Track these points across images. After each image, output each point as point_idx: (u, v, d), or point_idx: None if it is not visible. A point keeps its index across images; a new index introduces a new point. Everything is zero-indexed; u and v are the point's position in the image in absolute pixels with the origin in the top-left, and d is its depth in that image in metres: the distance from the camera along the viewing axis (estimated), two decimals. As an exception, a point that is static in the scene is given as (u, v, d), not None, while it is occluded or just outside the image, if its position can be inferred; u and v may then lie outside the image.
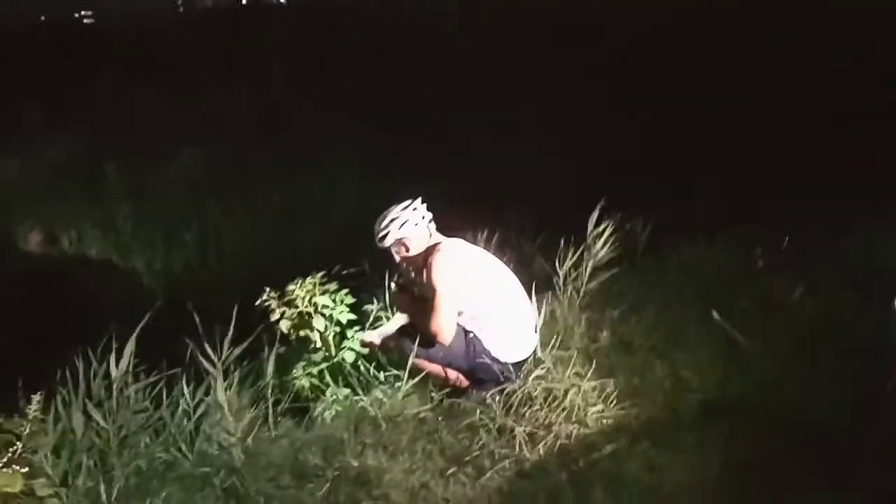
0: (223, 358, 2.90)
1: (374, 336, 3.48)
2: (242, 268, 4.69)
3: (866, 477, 2.45)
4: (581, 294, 3.62)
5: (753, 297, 3.56)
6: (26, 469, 2.42)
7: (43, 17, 21.26)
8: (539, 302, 3.29)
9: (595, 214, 3.70)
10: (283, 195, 6.07)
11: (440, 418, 2.98)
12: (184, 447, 2.80)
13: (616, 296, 3.69)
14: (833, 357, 3.06)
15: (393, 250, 3.25)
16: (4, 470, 2.42)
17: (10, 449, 2.53)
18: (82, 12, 24.28)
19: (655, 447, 2.68)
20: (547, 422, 2.85)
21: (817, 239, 3.86)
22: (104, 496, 2.57)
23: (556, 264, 3.62)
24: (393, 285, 3.58)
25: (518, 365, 3.09)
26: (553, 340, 3.23)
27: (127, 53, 11.98)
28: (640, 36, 6.78)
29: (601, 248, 3.62)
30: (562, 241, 3.64)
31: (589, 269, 3.60)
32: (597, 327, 3.48)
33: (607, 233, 3.63)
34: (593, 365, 3.03)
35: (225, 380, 2.89)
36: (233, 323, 2.93)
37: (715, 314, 3.34)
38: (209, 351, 2.86)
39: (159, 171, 7.33)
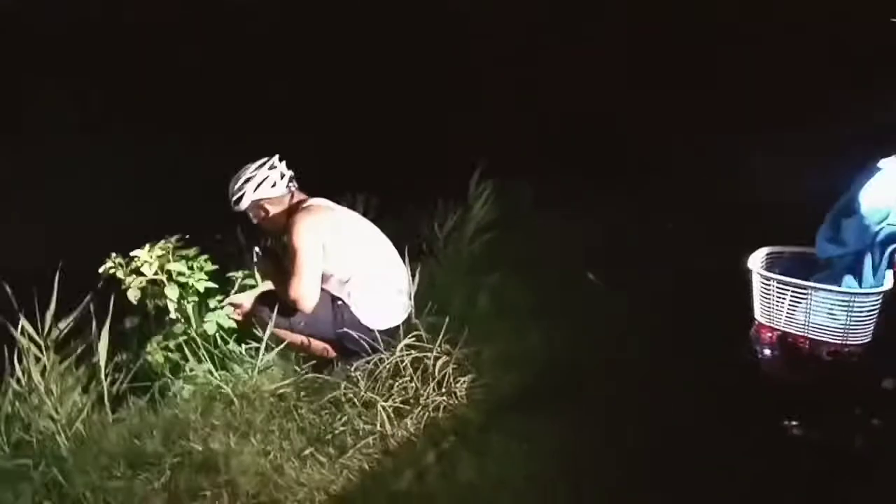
0: (44, 333, 2.55)
1: (244, 298, 3.18)
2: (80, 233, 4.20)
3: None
4: (463, 257, 3.43)
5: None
6: None
7: None
8: (418, 266, 3.08)
9: (476, 175, 3.51)
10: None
11: (301, 394, 2.74)
12: (-2, 437, 2.44)
13: (497, 259, 3.52)
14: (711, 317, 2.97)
15: (251, 213, 2.94)
16: None
17: None
18: None
19: (527, 417, 2.54)
20: (416, 394, 2.65)
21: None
22: None
23: (436, 227, 3.41)
24: (257, 249, 3.27)
25: (388, 333, 2.87)
26: (429, 306, 3.03)
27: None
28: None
29: (482, 210, 3.43)
30: (439, 203, 3.42)
31: (470, 232, 3.41)
32: (476, 292, 3.30)
33: (487, 194, 3.44)
34: (466, 332, 2.84)
35: (49, 358, 2.54)
36: (55, 293, 2.57)
37: (590, 274, 3.23)
38: (26, 326, 2.50)
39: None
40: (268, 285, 3.25)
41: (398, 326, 2.90)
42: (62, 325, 2.61)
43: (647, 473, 2.22)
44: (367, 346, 2.84)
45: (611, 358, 2.79)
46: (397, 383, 2.69)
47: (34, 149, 5.06)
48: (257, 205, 2.89)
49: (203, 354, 3.04)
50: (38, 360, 2.50)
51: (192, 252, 3.22)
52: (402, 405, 2.61)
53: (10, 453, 2.41)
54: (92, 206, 4.63)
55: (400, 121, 4.44)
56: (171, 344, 3.16)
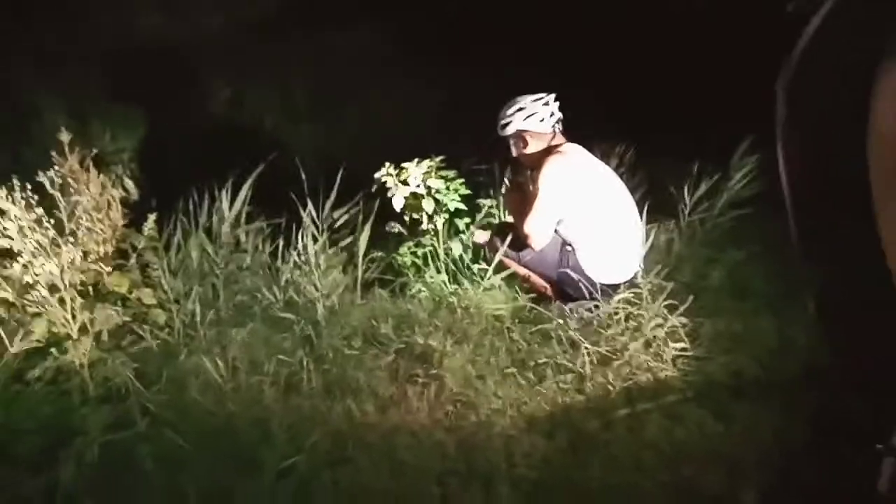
0: (323, 216, 3.05)
1: (482, 236, 3.45)
2: (378, 136, 4.76)
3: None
4: (707, 228, 3.31)
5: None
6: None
7: None
8: (656, 227, 3.06)
9: (743, 146, 3.31)
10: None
11: (515, 319, 2.94)
12: (276, 291, 3.02)
13: (746, 237, 3.32)
14: None
15: (511, 141, 3.14)
16: (119, 274, 2.77)
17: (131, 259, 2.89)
18: None
19: (732, 399, 2.46)
20: (623, 347, 2.70)
21: None
22: (200, 318, 2.86)
23: (686, 192, 3.32)
24: (506, 181, 3.49)
25: (611, 288, 2.93)
26: (657, 269, 3.01)
27: None
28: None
29: (739, 183, 3.25)
30: (696, 166, 3.30)
31: (721, 203, 3.26)
32: (712, 265, 3.18)
33: (749, 167, 3.24)
34: (689, 301, 2.78)
35: (323, 240, 3.06)
36: (336, 186, 3.06)
37: None
38: (311, 208, 3.02)
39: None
40: (508, 217, 3.49)
41: (621, 283, 2.94)
42: (337, 214, 3.11)
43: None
44: (585, 293, 2.93)
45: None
46: (606, 332, 2.76)
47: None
48: (521, 135, 3.06)
49: (442, 266, 3.40)
50: (315, 239, 3.02)
51: (451, 174, 3.57)
52: (607, 353, 2.68)
53: (282, 308, 2.98)
54: (383, 116, 5.19)
55: (679, 72, 4.25)
56: (419, 251, 3.59)
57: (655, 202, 3.16)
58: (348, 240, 3.30)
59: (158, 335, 2.74)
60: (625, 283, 2.94)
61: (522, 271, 3.10)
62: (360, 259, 3.12)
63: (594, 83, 3.83)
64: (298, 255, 3.06)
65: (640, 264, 3.01)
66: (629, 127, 3.72)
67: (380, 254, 3.52)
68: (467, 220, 3.68)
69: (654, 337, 2.68)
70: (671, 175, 3.46)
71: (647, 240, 3.00)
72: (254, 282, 3.06)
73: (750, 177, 3.28)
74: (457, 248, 3.53)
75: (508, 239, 3.03)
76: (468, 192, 3.62)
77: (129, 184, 3.26)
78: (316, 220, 3.06)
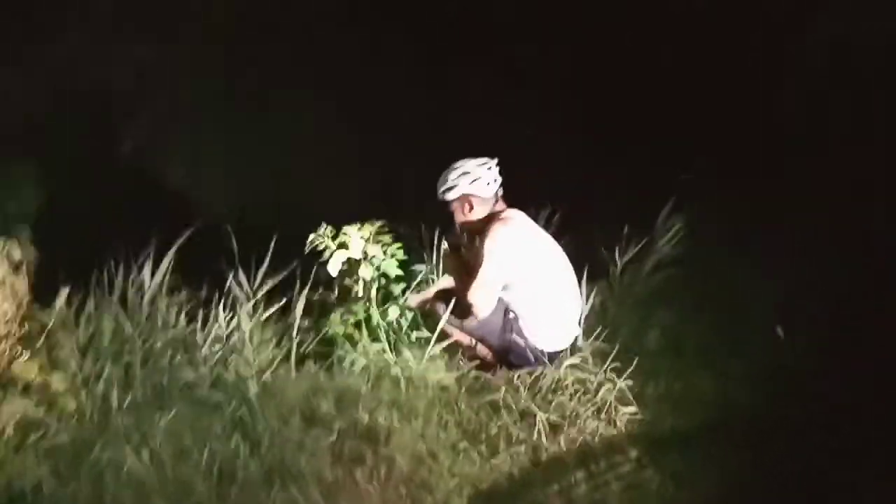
0: (255, 287, 2.87)
1: (417, 300, 3.37)
2: (302, 200, 4.60)
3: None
4: (638, 289, 3.38)
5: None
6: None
7: None
8: (590, 290, 3.09)
9: (667, 207, 3.44)
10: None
11: (463, 390, 2.84)
12: (203, 369, 2.77)
13: (676, 295, 3.42)
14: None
15: (455, 206, 3.09)
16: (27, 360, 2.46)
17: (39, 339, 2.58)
18: None
19: (685, 458, 2.46)
20: (573, 414, 2.66)
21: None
22: (116, 403, 2.57)
23: (617, 253, 3.39)
24: (445, 244, 3.44)
25: (554, 355, 2.91)
26: (597, 332, 3.03)
27: None
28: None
29: (667, 244, 3.36)
30: (625, 230, 3.39)
31: (651, 264, 3.35)
32: (648, 325, 3.24)
33: (676, 229, 3.36)
34: (634, 363, 2.80)
35: (254, 310, 2.86)
36: (269, 253, 2.89)
37: (779, 330, 3.04)
38: (242, 278, 2.83)
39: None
40: (445, 280, 3.43)
41: (563, 350, 2.93)
42: (268, 282, 2.93)
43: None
44: (530, 360, 2.89)
45: (781, 412, 2.63)
46: (556, 399, 2.72)
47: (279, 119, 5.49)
48: (465, 199, 3.02)
49: (382, 335, 3.26)
50: (245, 311, 2.82)
51: (388, 238, 3.48)
52: (558, 420, 2.63)
53: (210, 387, 2.73)
54: (318, 175, 5.02)
55: (597, 137, 4.40)
56: (352, 319, 3.44)
57: (586, 265, 3.18)
58: (276, 307, 3.11)
59: (70, 424, 2.43)
60: (567, 348, 2.93)
61: (465, 339, 3.02)
62: (296, 330, 2.94)
63: (521, 148, 3.87)
64: (227, 328, 2.85)
65: (579, 329, 3.01)
66: (555, 191, 3.77)
67: (312, 321, 3.35)
68: (402, 285, 3.57)
69: (606, 402, 2.66)
70: (599, 238, 3.52)
71: (587, 303, 3.01)
72: (176, 359, 2.80)
73: (676, 237, 3.40)
74: (393, 314, 3.41)
75: (451, 305, 2.95)
76: (405, 257, 3.54)
77: (33, 252, 2.94)
78: (246, 288, 2.87)
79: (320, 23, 5.52)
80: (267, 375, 2.78)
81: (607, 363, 2.77)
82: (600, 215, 3.64)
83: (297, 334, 2.96)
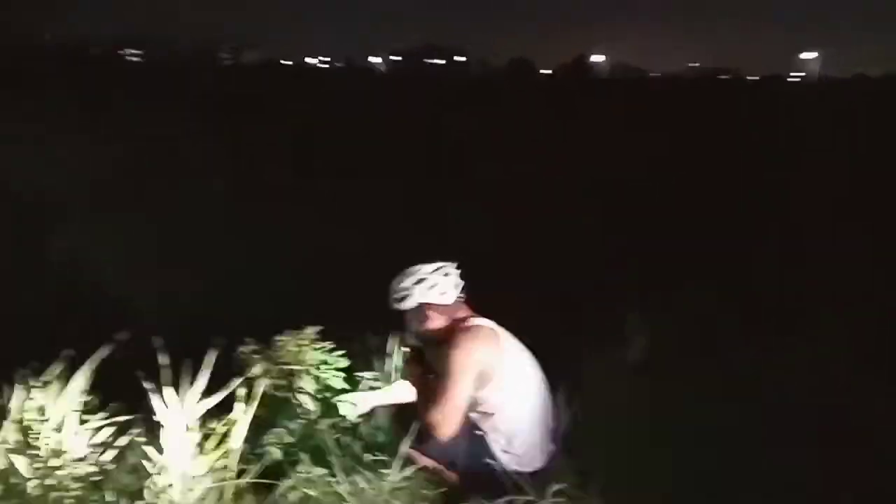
0: (188, 410, 2.45)
1: (367, 401, 3.02)
2: (231, 309, 4.23)
3: None
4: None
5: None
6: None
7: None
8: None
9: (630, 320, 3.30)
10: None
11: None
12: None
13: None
14: None
15: (410, 316, 2.82)
16: None
17: None
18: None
19: None
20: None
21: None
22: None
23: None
24: (406, 349, 3.14)
25: (531, 476, 2.61)
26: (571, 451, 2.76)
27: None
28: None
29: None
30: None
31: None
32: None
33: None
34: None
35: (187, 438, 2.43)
36: (207, 372, 2.49)
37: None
38: (171, 399, 2.41)
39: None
40: (400, 387, 3.09)
41: (542, 470, 2.64)
42: (203, 404, 2.51)
43: None
44: (505, 486, 2.58)
45: None
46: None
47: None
48: (422, 309, 2.76)
49: (320, 457, 2.87)
50: (177, 437, 2.39)
51: (326, 346, 3.15)
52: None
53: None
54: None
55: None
56: (286, 440, 3.03)
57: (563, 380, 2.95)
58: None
59: None
60: (546, 470, 2.64)
61: (433, 465, 2.68)
62: (237, 459, 2.51)
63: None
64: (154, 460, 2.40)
65: (555, 449, 2.75)
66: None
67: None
68: (346, 398, 3.22)
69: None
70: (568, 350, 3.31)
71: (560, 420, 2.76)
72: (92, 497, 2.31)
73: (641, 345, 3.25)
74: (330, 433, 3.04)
75: (414, 426, 2.62)
76: (347, 364, 3.21)
77: None
78: (177, 412, 2.44)
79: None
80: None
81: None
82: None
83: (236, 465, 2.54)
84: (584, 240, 6.25)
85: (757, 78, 63.30)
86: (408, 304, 2.76)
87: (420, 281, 2.74)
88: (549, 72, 62.83)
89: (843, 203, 8.29)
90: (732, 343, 3.65)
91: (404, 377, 3.05)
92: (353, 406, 3.05)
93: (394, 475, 2.60)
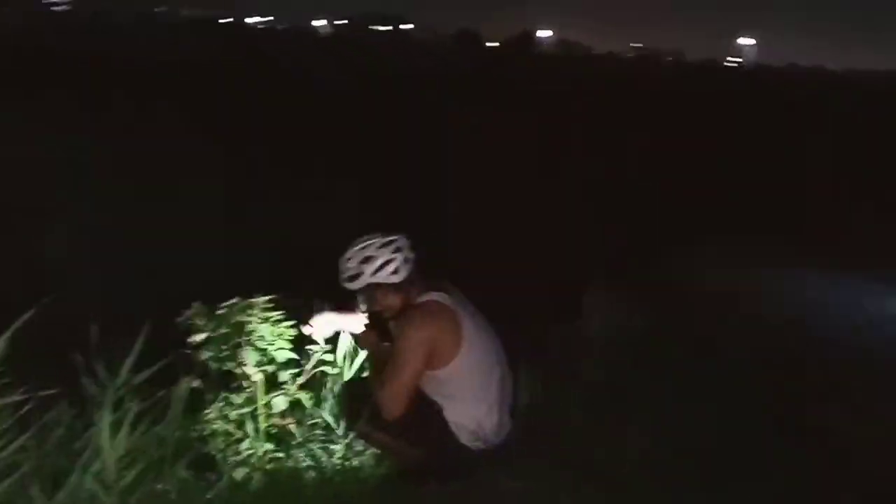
0: (119, 385, 2.23)
1: (330, 324, 2.86)
2: (171, 278, 3.96)
3: None
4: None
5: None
6: None
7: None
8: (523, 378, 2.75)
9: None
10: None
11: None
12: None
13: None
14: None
15: (361, 297, 2.64)
16: None
17: None
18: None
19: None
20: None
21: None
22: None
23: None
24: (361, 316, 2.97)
25: (492, 453, 2.51)
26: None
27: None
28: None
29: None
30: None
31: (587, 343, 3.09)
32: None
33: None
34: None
35: (116, 412, 2.21)
36: (139, 342, 2.27)
37: None
38: (100, 373, 2.19)
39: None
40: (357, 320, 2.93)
41: (502, 446, 2.55)
42: (136, 379, 2.30)
43: None
44: (463, 463, 2.48)
45: None
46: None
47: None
48: (372, 289, 2.57)
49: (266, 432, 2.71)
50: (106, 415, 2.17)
51: (275, 315, 2.95)
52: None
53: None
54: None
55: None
56: (233, 414, 2.84)
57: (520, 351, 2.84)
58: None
59: None
60: (505, 445, 2.55)
61: (389, 441, 2.55)
62: (173, 434, 2.31)
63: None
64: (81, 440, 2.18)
65: (512, 422, 2.65)
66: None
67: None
68: (293, 371, 3.03)
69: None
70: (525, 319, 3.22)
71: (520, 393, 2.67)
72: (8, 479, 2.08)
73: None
74: (280, 404, 2.87)
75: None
76: (295, 334, 3.01)
77: None
78: (106, 387, 2.22)
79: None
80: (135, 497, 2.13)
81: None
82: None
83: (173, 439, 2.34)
84: (528, 217, 6.16)
85: (695, 60, 64.86)
86: (357, 285, 2.58)
87: (368, 259, 2.55)
88: (496, 44, 62.60)
89: (773, 190, 8.52)
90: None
91: (359, 345, 2.88)
92: (312, 328, 2.88)
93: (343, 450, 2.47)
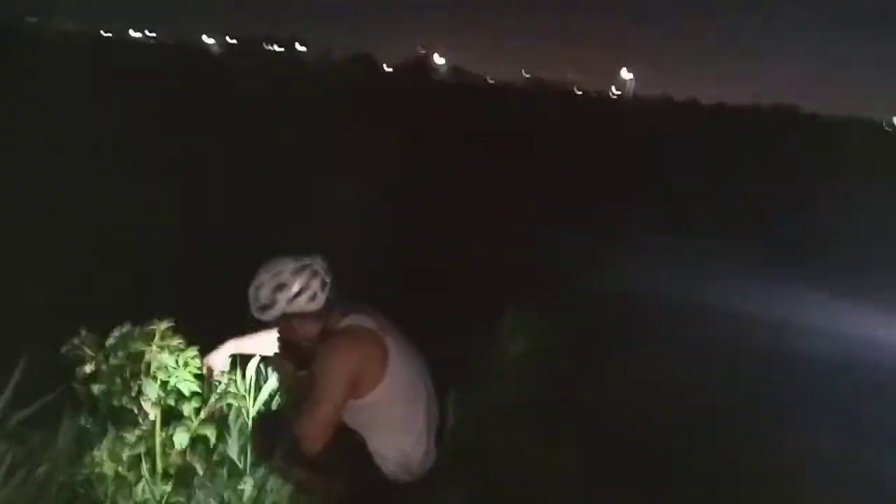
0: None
1: (225, 351, 2.69)
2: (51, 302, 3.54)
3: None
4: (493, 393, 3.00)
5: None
6: None
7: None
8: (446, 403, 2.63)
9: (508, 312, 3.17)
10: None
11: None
12: None
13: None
14: None
15: (277, 328, 2.43)
16: None
17: None
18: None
19: None
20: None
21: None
22: None
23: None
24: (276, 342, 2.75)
25: (417, 482, 2.37)
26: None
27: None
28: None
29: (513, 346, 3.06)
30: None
31: (502, 367, 3.01)
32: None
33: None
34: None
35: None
36: (15, 375, 1.97)
37: None
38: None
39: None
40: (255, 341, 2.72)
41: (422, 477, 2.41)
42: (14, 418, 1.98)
43: None
44: (384, 495, 2.32)
45: None
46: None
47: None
48: (288, 319, 2.36)
49: (165, 472, 2.43)
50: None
51: (176, 341, 2.67)
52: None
53: None
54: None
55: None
56: (126, 454, 2.53)
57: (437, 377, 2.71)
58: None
59: None
60: (427, 473, 2.41)
61: (303, 475, 2.33)
62: (55, 483, 2.01)
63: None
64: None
65: (433, 450, 2.52)
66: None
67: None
68: (196, 404, 2.75)
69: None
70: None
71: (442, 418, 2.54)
72: None
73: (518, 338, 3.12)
74: (182, 441, 2.59)
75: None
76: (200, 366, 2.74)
77: None
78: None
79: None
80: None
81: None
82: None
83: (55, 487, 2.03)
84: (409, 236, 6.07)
85: (581, 92, 67.88)
86: (270, 316, 2.36)
87: (281, 287, 2.33)
88: (391, 69, 62.95)
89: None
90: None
91: (279, 378, 2.66)
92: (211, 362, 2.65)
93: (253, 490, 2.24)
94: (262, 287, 2.33)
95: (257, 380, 2.82)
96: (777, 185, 13.19)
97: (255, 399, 2.77)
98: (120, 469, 2.50)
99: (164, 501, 2.43)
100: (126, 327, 2.56)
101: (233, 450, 2.66)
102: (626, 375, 3.31)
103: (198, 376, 2.65)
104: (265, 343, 2.67)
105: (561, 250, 6.36)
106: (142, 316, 2.58)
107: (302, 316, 2.34)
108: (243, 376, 2.77)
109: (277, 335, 2.50)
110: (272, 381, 2.75)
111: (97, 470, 2.46)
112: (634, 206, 9.33)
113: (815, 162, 17.38)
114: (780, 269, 6.30)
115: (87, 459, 2.44)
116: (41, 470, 2.06)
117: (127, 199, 5.63)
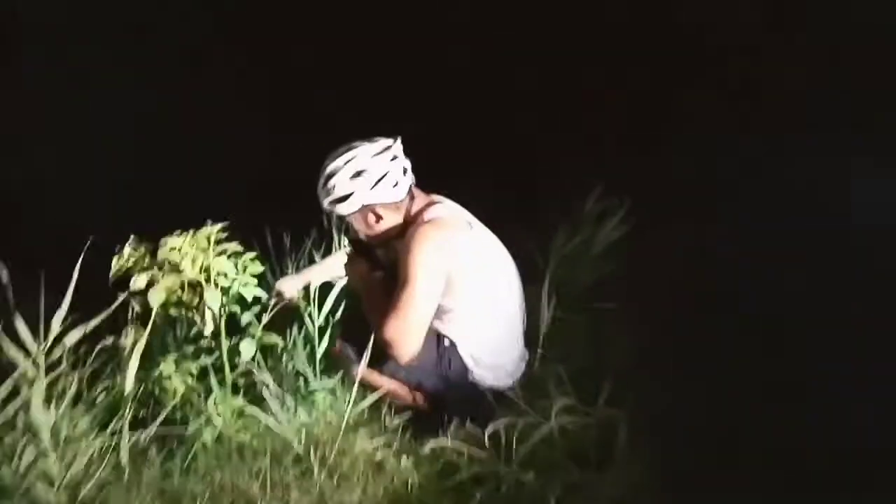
0: (46, 346, 1.69)
1: (301, 279, 2.46)
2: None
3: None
4: (574, 294, 2.73)
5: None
6: None
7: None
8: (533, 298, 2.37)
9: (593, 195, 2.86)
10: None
11: (418, 472, 1.93)
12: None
13: (611, 295, 2.79)
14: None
15: (354, 221, 2.13)
16: None
17: None
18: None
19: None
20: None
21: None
22: None
23: (551, 253, 2.70)
24: (347, 243, 2.48)
25: (503, 392, 2.14)
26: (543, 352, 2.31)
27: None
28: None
29: (600, 246, 2.75)
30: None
31: (587, 258, 2.73)
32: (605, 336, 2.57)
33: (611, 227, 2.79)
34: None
35: (50, 383, 1.69)
36: (71, 288, 1.74)
37: None
38: (24, 333, 1.65)
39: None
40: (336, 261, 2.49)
41: (514, 383, 2.19)
42: (71, 336, 1.75)
43: None
44: (479, 405, 2.09)
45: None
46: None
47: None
48: (368, 211, 2.07)
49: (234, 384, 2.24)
50: (36, 383, 1.64)
51: (234, 247, 2.41)
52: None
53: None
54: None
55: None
56: (194, 368, 2.34)
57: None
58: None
59: None
60: (517, 381, 2.18)
61: (396, 387, 2.12)
62: (129, 403, 1.82)
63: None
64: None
65: (526, 351, 2.28)
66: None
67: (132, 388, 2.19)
68: (255, 311, 2.52)
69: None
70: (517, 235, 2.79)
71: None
72: None
73: (611, 237, 2.81)
74: (247, 352, 2.38)
75: (370, 346, 2.00)
76: (262, 268, 2.50)
77: None
78: (36, 353, 1.68)
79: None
80: (86, 488, 1.65)
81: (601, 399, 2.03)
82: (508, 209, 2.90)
83: (129, 408, 1.84)
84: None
85: None
86: (349, 209, 2.06)
87: (359, 174, 2.02)
88: None
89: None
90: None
91: (350, 280, 2.39)
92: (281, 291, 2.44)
93: (349, 404, 2.03)
94: (335, 174, 2.03)
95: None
96: None
97: (319, 306, 2.53)
98: (189, 382, 2.32)
99: (235, 414, 2.25)
100: (179, 235, 2.31)
101: (300, 359, 2.46)
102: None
103: (259, 282, 2.42)
104: (337, 267, 2.42)
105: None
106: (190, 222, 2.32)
107: (383, 207, 2.05)
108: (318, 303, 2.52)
109: (349, 235, 2.21)
110: (336, 287, 2.52)
111: (163, 384, 2.29)
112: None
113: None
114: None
115: (149, 375, 2.27)
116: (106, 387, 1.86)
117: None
